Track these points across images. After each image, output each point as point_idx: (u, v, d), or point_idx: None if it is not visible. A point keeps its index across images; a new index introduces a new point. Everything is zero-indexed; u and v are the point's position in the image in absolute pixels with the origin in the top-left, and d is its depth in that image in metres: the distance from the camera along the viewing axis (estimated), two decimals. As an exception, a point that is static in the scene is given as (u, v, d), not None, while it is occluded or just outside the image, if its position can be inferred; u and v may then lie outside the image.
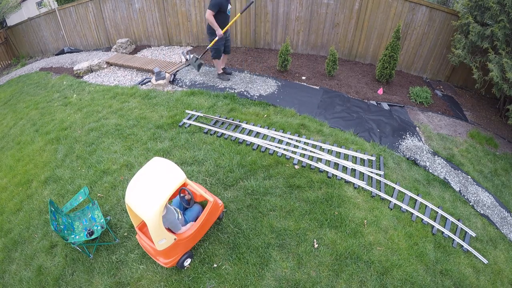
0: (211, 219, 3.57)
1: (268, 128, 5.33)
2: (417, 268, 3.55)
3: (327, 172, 4.55)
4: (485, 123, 6.22)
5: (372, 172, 4.60)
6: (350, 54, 7.65)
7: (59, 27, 10.78)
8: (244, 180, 4.42)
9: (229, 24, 6.00)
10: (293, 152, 4.86)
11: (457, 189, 4.66)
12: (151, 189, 3.00)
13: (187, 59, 7.65)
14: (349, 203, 4.12)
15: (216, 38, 5.91)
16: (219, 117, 5.63)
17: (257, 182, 4.35)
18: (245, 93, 6.36)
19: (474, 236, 4.06)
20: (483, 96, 6.99)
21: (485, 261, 3.81)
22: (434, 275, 3.54)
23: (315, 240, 3.68)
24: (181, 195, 3.63)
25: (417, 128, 5.68)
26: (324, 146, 4.96)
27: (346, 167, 4.65)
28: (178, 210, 3.44)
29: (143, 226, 3.45)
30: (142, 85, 7.20)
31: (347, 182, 4.44)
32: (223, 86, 6.61)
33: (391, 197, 4.30)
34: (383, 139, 5.29)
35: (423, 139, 5.45)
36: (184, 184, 3.79)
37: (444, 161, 5.03)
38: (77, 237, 3.61)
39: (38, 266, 3.74)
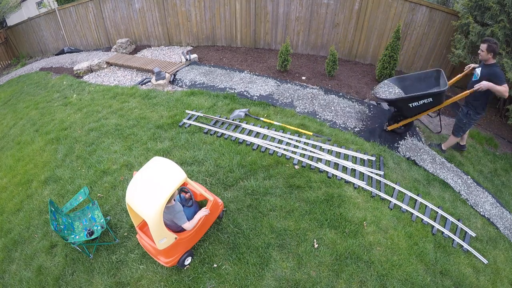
0: (211, 218, 3.57)
1: (268, 128, 5.33)
2: (417, 268, 3.55)
3: (327, 172, 4.55)
4: (485, 123, 6.22)
5: (372, 172, 4.60)
6: (350, 54, 7.65)
7: (59, 27, 10.78)
8: (244, 180, 4.42)
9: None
10: (293, 152, 4.86)
11: (457, 189, 4.66)
12: (152, 188, 3.01)
13: (187, 59, 7.66)
14: (349, 203, 4.12)
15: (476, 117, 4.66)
16: (219, 117, 5.63)
17: (257, 182, 4.35)
18: (245, 93, 6.36)
19: (474, 236, 4.06)
20: (483, 96, 6.98)
21: (485, 261, 3.81)
22: (434, 275, 3.54)
23: (315, 240, 3.68)
24: (182, 195, 3.64)
25: (417, 128, 5.68)
26: (324, 146, 4.96)
27: (346, 167, 4.65)
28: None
29: (143, 225, 3.45)
30: (142, 85, 7.21)
31: (347, 182, 4.44)
32: (223, 86, 6.61)
33: (391, 197, 4.30)
34: (383, 139, 5.29)
35: (423, 139, 5.45)
36: (184, 184, 3.79)
37: (444, 161, 5.03)
38: (77, 237, 3.61)
39: (38, 266, 3.74)
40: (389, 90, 5.10)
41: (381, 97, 4.93)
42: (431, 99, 4.56)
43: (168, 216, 3.20)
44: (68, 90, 7.62)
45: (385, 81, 5.23)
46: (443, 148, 5.23)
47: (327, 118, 5.67)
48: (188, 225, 3.25)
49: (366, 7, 6.89)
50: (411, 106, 4.69)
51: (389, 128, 5.29)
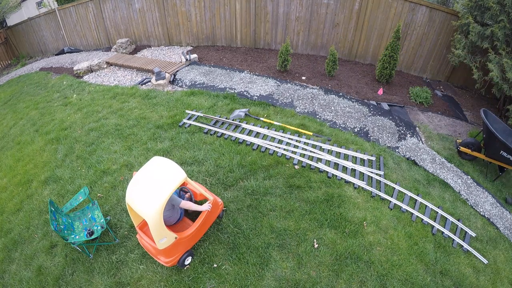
0: (211, 217, 3.57)
1: (268, 128, 5.33)
2: (417, 268, 3.55)
3: (327, 172, 4.54)
4: (485, 123, 6.22)
5: (372, 172, 4.60)
6: (350, 54, 7.65)
7: (59, 27, 10.78)
8: (244, 180, 4.42)
9: None
10: (293, 152, 4.86)
11: (457, 189, 4.66)
12: (152, 188, 3.01)
13: (187, 59, 7.65)
14: (349, 203, 4.12)
15: None
16: (219, 117, 5.63)
17: (257, 182, 4.35)
18: (245, 93, 6.36)
19: (474, 236, 4.06)
20: (483, 96, 6.99)
21: (485, 261, 3.81)
22: (434, 275, 3.54)
23: (315, 240, 3.68)
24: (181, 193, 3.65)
25: (417, 128, 5.68)
26: (324, 146, 4.96)
27: (346, 167, 4.64)
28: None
29: (143, 225, 3.45)
30: (142, 85, 7.20)
31: (347, 182, 4.44)
32: (223, 86, 6.61)
33: (391, 197, 4.30)
34: (382, 139, 5.29)
35: (423, 139, 5.45)
36: (184, 183, 3.79)
37: (444, 161, 5.03)
38: (77, 237, 3.61)
39: (38, 266, 3.74)
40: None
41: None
42: None
43: (166, 207, 3.21)
44: (68, 90, 7.62)
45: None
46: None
47: (327, 118, 5.67)
48: (184, 203, 3.29)
49: (366, 7, 6.89)
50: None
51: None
